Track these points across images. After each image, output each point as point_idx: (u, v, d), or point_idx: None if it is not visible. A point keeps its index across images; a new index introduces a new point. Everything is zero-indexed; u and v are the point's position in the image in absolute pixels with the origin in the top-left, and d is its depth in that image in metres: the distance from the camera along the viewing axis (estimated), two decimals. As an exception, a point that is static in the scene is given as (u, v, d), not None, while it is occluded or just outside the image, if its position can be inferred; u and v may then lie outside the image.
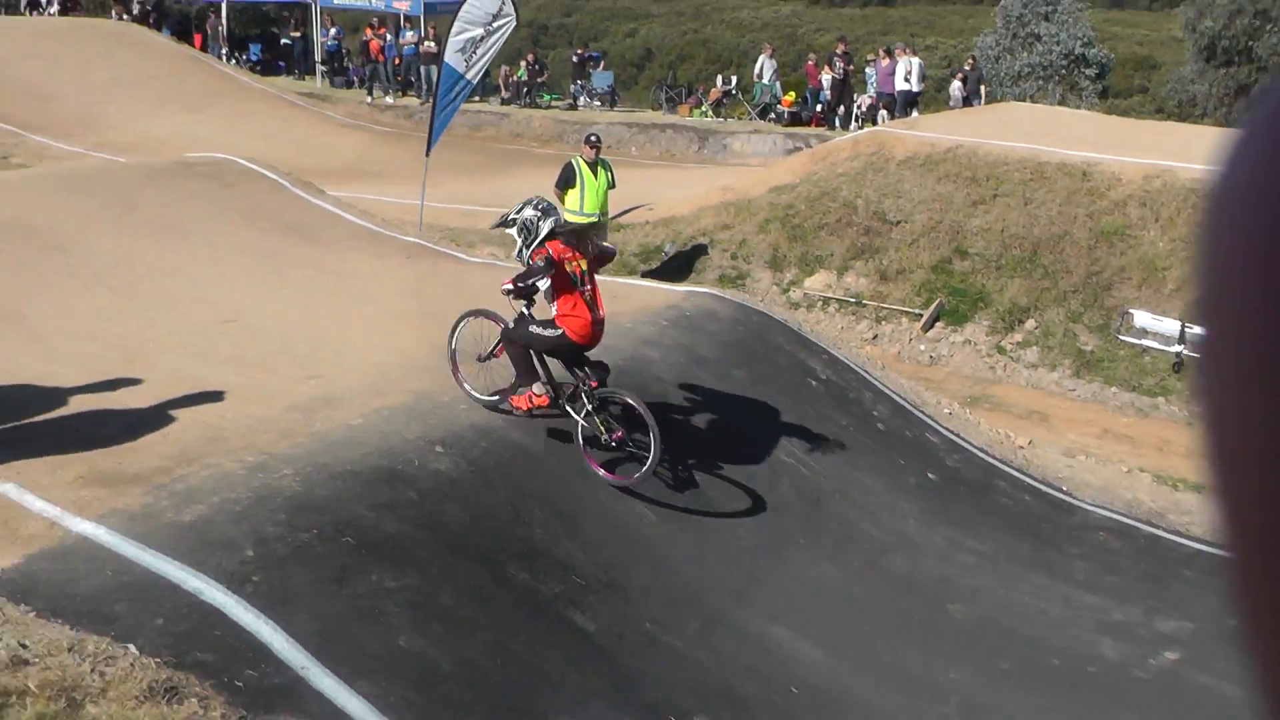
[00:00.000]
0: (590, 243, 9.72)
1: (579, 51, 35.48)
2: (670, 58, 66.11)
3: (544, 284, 9.16)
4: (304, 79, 35.03)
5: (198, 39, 36.76)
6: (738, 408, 11.33)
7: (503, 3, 17.25)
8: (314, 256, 13.22)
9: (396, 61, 32.82)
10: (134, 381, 9.71)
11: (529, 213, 9.47)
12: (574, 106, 32.30)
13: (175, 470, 8.24)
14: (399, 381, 10.18)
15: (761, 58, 31.60)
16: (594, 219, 15.79)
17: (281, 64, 36.70)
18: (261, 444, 8.73)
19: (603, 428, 9.36)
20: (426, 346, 10.82)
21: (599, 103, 32.62)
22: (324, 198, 15.37)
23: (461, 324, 10.08)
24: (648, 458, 9.06)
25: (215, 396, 9.59)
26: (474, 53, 16.81)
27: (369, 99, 31.82)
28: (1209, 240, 0.61)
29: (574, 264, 9.41)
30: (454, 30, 16.94)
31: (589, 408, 9.36)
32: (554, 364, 9.65)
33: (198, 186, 14.50)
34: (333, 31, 35.06)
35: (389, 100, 31.84)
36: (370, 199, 17.24)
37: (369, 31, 33.46)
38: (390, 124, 29.09)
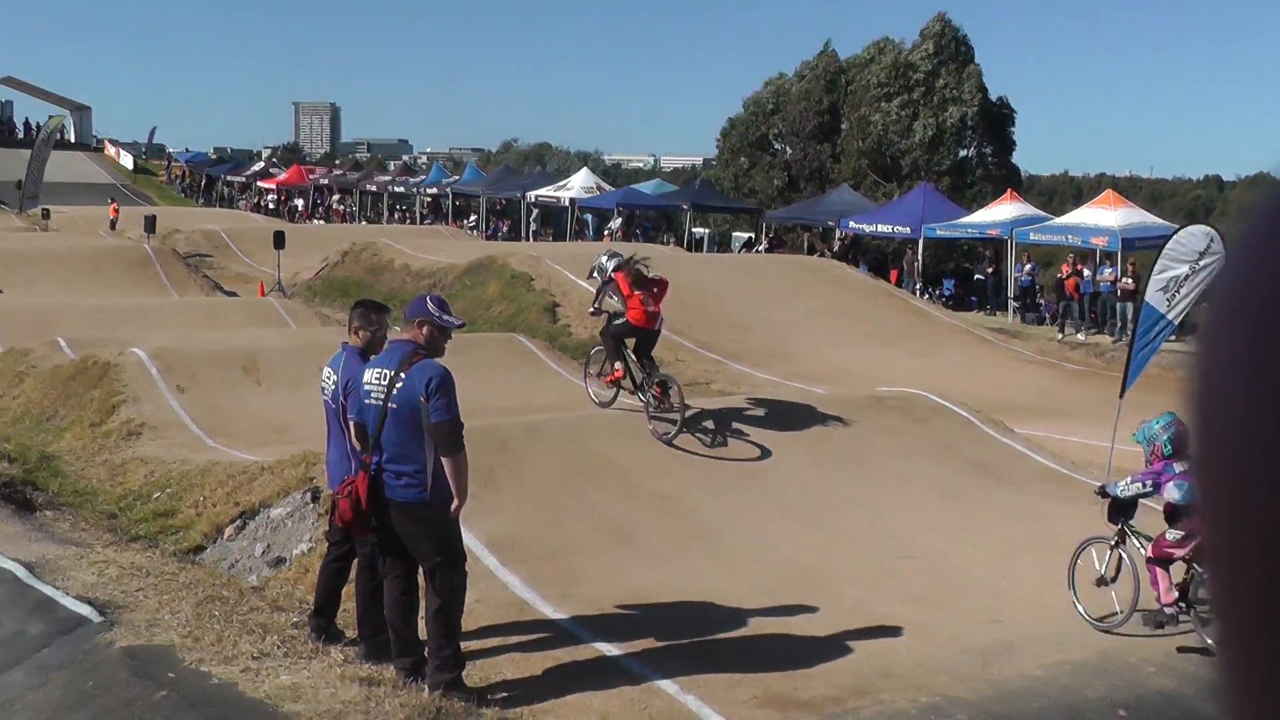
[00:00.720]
0: (645, 276, 14.26)
1: (1286, 290, 33.34)
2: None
3: (607, 295, 14.33)
4: (994, 314, 35.21)
5: (893, 274, 38.07)
6: None
7: (1210, 239, 16.48)
8: (1000, 496, 12.98)
9: (1091, 298, 32.30)
10: (811, 609, 9.85)
11: (602, 260, 14.62)
12: None
13: (847, 701, 8.20)
14: (1082, 634, 9.65)
15: None
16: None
17: (974, 299, 37.14)
18: (936, 685, 8.52)
19: (654, 401, 13.68)
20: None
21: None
22: (1012, 436, 15.14)
23: (592, 351, 15.43)
24: (678, 421, 13.36)
25: (891, 631, 9.51)
26: (1177, 291, 16.10)
27: (1060, 335, 31.40)
28: (1205, 348, 0.63)
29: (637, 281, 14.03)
30: (1157, 268, 16.33)
31: (651, 393, 13.73)
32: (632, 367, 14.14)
33: (888, 420, 14.74)
34: (1027, 267, 35.08)
35: (1080, 337, 31.27)
36: (1058, 438, 16.79)
37: (1065, 268, 33.22)
38: (1081, 362, 28.49)
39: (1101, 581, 10.06)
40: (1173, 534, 9.68)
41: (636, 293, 13.89)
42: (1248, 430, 0.60)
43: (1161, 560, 9.72)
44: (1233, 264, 0.63)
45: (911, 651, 9.14)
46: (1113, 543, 10.09)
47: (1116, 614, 9.83)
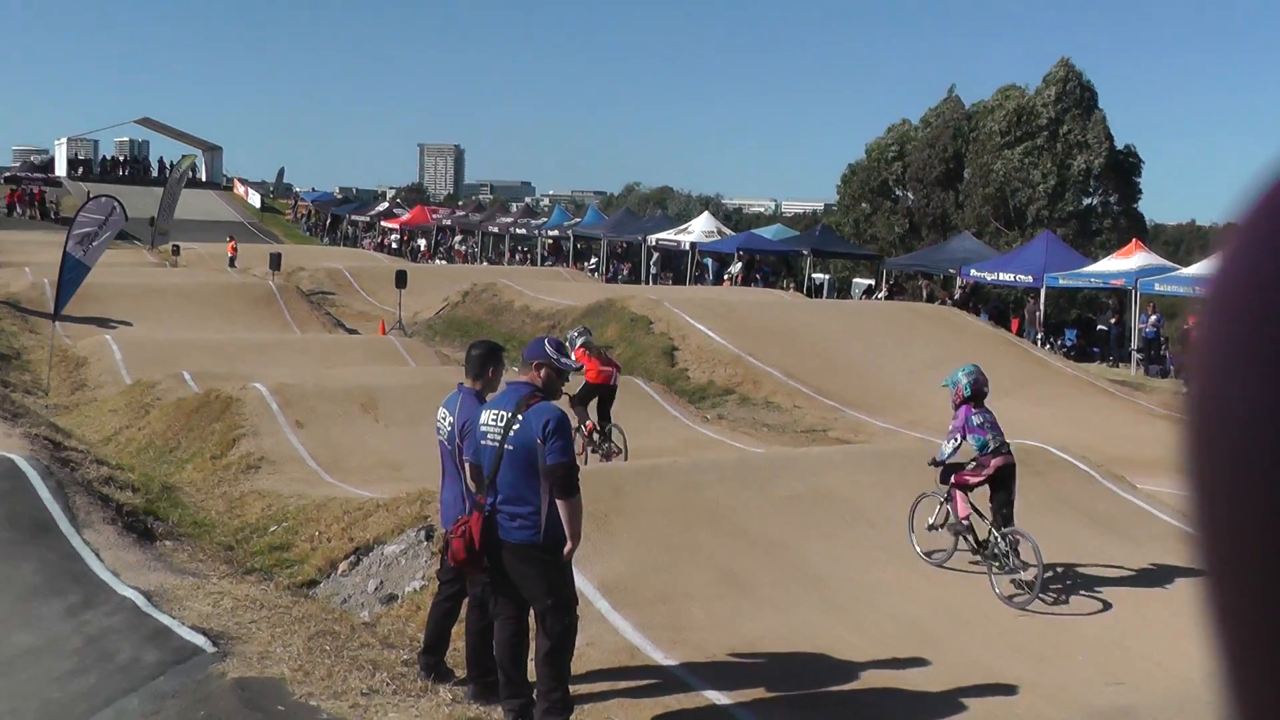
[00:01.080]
0: (603, 352, 18.06)
1: None
2: None
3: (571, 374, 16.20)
4: (1117, 366, 34.56)
5: (1014, 323, 37.54)
6: None
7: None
8: (1121, 553, 12.69)
9: (1218, 351, 31.60)
10: (924, 662, 9.67)
11: (571, 334, 17.36)
12: None
13: (960, 761, 8.02)
14: (1206, 700, 9.34)
15: None
16: None
17: (1096, 350, 36.51)
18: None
19: (604, 441, 17.13)
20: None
21: None
22: (1134, 492, 14.80)
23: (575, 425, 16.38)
24: (625, 452, 17.08)
25: (1007, 689, 9.31)
26: (1310, 347, 15.69)
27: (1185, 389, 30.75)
28: (1203, 339, 0.62)
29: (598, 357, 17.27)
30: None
31: (601, 438, 17.13)
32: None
33: (1006, 472, 14.46)
34: (1152, 319, 34.44)
35: (1206, 391, 30.58)
36: (1181, 495, 16.38)
37: (1191, 320, 32.50)
38: (1207, 416, 27.80)
39: (932, 528, 12.34)
40: (971, 466, 12.07)
41: (593, 359, 17.03)
42: (1245, 428, 0.58)
43: (960, 486, 12.11)
44: (1229, 261, 0.62)
45: (1027, 711, 8.94)
46: (941, 499, 12.36)
47: (942, 551, 12.23)
